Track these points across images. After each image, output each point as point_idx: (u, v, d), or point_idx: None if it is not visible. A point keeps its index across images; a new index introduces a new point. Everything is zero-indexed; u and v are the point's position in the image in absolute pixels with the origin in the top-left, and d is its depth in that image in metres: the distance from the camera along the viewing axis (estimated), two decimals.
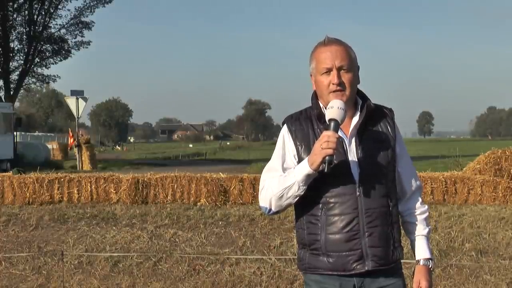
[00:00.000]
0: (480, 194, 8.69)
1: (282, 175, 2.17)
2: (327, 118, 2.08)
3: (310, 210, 2.17)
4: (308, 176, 2.07)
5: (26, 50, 28.14)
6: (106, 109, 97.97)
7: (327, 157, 1.99)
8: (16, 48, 28.32)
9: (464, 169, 9.97)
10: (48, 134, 55.90)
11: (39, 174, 9.21)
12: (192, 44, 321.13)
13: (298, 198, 2.13)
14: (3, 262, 6.67)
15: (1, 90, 27.44)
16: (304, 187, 2.10)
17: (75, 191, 8.81)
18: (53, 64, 29.67)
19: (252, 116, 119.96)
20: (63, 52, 29.44)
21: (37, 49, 28.64)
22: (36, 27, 28.26)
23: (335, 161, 2.04)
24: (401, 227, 2.31)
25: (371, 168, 2.14)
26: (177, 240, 7.18)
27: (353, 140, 2.17)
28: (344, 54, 2.16)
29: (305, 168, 2.07)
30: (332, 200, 2.12)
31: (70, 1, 31.98)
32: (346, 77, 2.15)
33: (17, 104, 43.59)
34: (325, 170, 2.01)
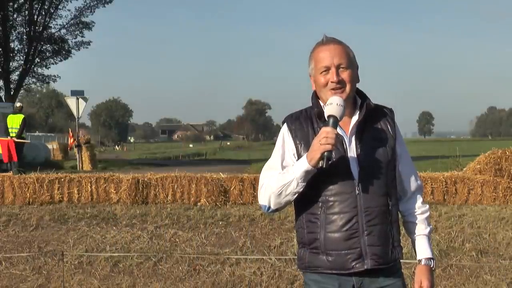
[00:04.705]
0: (480, 194, 8.69)
1: (281, 173, 2.17)
2: (326, 115, 2.08)
3: (309, 209, 2.17)
4: (307, 172, 2.07)
5: (26, 50, 28.10)
6: (106, 109, 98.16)
7: (325, 153, 1.99)
8: (16, 48, 28.30)
9: (464, 169, 9.97)
10: (48, 134, 55.85)
11: (39, 174, 9.21)
12: (192, 44, 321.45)
13: (297, 195, 2.13)
14: (3, 262, 6.67)
15: (1, 90, 27.41)
16: (303, 184, 2.10)
17: (75, 191, 8.81)
18: (53, 64, 29.65)
19: (252, 116, 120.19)
20: (63, 52, 29.39)
21: (37, 49, 28.60)
22: (36, 27, 28.22)
23: (333, 158, 2.05)
24: (402, 227, 2.31)
25: (371, 166, 2.14)
26: (177, 240, 7.18)
27: (353, 138, 2.17)
28: (342, 53, 2.17)
29: (304, 165, 2.07)
30: (331, 199, 2.12)
31: (70, 1, 31.85)
32: (345, 75, 2.15)
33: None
34: (324, 166, 2.01)
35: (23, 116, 13.89)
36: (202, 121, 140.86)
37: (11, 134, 13.62)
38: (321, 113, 2.17)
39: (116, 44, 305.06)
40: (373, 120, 2.22)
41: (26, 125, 14.06)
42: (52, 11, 28.70)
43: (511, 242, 7.03)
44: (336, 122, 2.05)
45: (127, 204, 8.53)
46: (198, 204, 8.55)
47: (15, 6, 27.76)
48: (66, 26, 29.14)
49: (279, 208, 2.20)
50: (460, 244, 6.93)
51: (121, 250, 6.86)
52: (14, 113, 14.07)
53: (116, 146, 75.57)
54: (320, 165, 2.02)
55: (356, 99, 2.23)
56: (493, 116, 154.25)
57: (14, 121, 13.74)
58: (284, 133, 2.25)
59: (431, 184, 8.68)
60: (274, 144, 2.34)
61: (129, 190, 8.61)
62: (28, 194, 8.76)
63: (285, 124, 2.26)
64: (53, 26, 29.11)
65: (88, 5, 29.07)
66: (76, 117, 19.89)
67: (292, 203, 2.21)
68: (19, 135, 13.59)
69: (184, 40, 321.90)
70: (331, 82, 2.14)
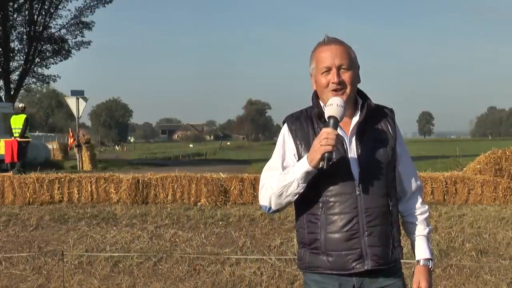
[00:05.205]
0: (480, 194, 8.68)
1: (282, 173, 2.17)
2: (326, 115, 2.08)
3: (310, 209, 2.17)
4: (307, 173, 2.07)
5: (26, 50, 28.08)
6: (106, 109, 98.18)
7: (326, 154, 1.99)
8: (16, 48, 28.28)
9: (465, 169, 9.96)
10: (48, 134, 55.83)
11: (40, 174, 9.21)
12: (193, 44, 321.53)
13: (297, 196, 2.13)
14: (3, 262, 6.67)
15: (1, 90, 27.40)
16: (304, 185, 2.10)
17: (76, 191, 8.81)
18: (53, 64, 29.61)
19: (252, 116, 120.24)
20: (63, 52, 29.37)
21: (37, 49, 28.59)
22: (37, 27, 28.22)
23: (334, 158, 2.05)
24: (401, 227, 2.31)
25: (371, 167, 2.14)
26: (177, 240, 7.18)
27: (354, 139, 2.17)
28: (344, 53, 2.16)
29: (304, 166, 2.07)
30: (332, 199, 2.12)
31: (70, 1, 31.88)
32: (346, 76, 2.15)
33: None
34: (324, 167, 2.01)
35: (26, 116, 13.97)
36: (202, 121, 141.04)
37: (14, 135, 13.71)
38: (321, 113, 2.17)
39: (116, 44, 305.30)
40: (374, 121, 2.22)
41: (28, 125, 14.15)
42: (52, 11, 28.70)
43: (511, 242, 7.03)
44: (336, 123, 2.05)
45: (127, 204, 8.53)
46: (198, 204, 8.55)
47: (15, 6, 27.75)
48: (66, 26, 29.15)
49: (280, 209, 2.20)
50: (460, 244, 6.93)
51: (121, 250, 6.86)
52: (17, 113, 14.14)
53: (116, 146, 75.54)
54: (320, 166, 2.02)
55: (357, 100, 2.23)
56: (493, 116, 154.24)
57: (17, 122, 13.83)
58: (285, 133, 2.25)
59: (431, 184, 8.68)
60: (274, 144, 2.34)
61: (129, 190, 8.61)
62: (28, 194, 8.76)
63: (285, 124, 2.26)
64: (53, 26, 29.13)
65: (88, 5, 29.07)
66: (76, 117, 19.87)
67: (293, 203, 2.21)
68: (22, 135, 13.67)
69: (184, 40, 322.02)
70: (332, 83, 2.14)
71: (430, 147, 47.90)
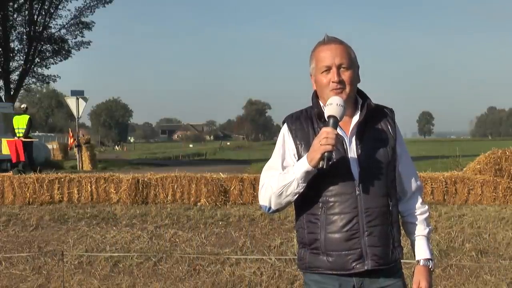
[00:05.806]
0: (480, 194, 8.68)
1: (282, 173, 2.16)
2: (326, 115, 2.08)
3: (310, 209, 2.17)
4: (307, 173, 2.07)
5: (26, 50, 28.08)
6: (106, 109, 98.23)
7: (326, 153, 1.99)
8: (16, 48, 28.28)
9: (464, 169, 9.96)
10: (48, 134, 55.78)
11: (39, 174, 9.22)
12: (192, 44, 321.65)
13: (297, 195, 2.13)
14: (3, 262, 6.67)
15: (1, 90, 27.40)
16: (304, 185, 2.10)
17: (75, 191, 8.81)
18: (53, 64, 29.62)
19: (252, 116, 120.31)
20: (63, 52, 29.36)
21: (37, 49, 28.59)
22: (36, 27, 28.23)
23: (334, 158, 2.05)
24: (401, 227, 2.31)
25: (371, 167, 2.14)
26: (177, 240, 7.18)
27: (354, 139, 2.16)
28: (344, 53, 2.16)
29: (304, 165, 2.06)
30: (332, 199, 2.12)
31: (70, 1, 31.90)
32: (346, 75, 2.15)
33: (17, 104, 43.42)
34: (324, 167, 2.00)
35: (29, 116, 14.04)
36: (202, 121, 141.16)
37: (17, 135, 13.75)
38: (321, 113, 2.17)
39: (116, 44, 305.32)
40: (374, 121, 2.21)
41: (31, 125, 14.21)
42: (52, 11, 28.69)
43: (511, 242, 7.03)
44: (336, 123, 2.05)
45: (127, 204, 8.52)
46: (198, 204, 8.55)
47: (15, 6, 27.75)
48: (66, 26, 29.15)
49: (280, 209, 2.20)
50: (460, 244, 6.93)
51: (121, 250, 6.86)
52: (19, 114, 14.18)
53: (116, 146, 75.55)
54: (320, 165, 2.02)
55: (357, 100, 2.23)
56: (493, 116, 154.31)
57: (20, 122, 13.89)
58: (285, 133, 2.24)
59: (431, 184, 8.68)
60: (274, 144, 2.33)
61: (129, 190, 8.61)
62: (28, 194, 8.76)
63: (285, 124, 2.26)
64: (53, 26, 29.12)
65: (88, 5, 29.06)
66: (76, 117, 19.89)
67: (293, 203, 2.21)
68: (26, 135, 13.73)
69: (184, 40, 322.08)
70: (332, 82, 2.14)
71: (430, 147, 47.90)
